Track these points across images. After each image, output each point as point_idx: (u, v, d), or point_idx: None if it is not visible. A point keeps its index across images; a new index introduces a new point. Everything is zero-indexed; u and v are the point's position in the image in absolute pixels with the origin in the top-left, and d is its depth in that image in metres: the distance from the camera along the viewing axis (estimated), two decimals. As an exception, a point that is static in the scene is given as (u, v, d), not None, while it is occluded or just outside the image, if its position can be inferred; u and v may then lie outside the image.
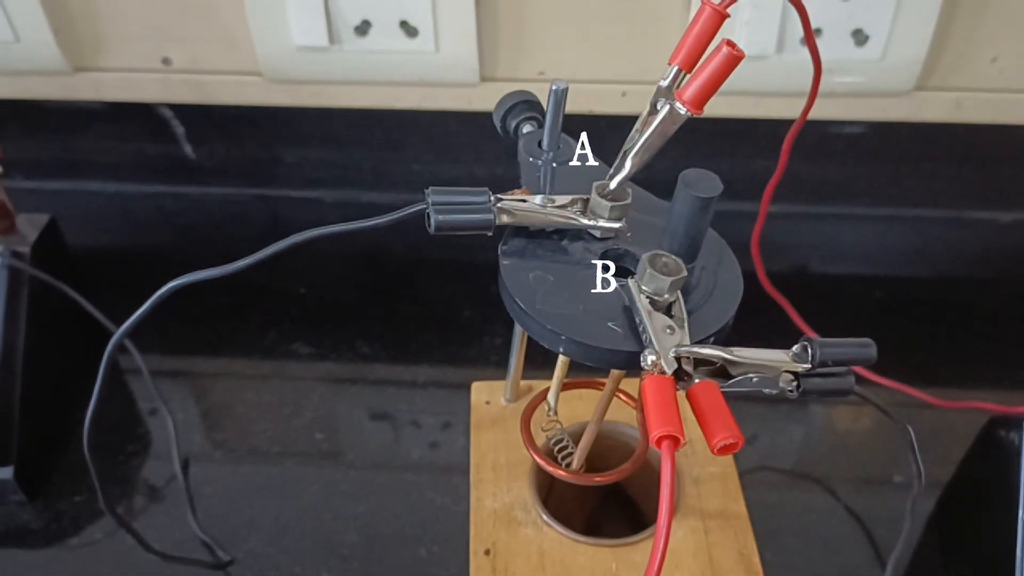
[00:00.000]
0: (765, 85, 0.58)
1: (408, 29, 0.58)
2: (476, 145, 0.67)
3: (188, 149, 0.75)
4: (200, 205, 0.76)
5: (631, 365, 0.27)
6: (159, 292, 0.30)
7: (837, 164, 0.67)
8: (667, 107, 0.28)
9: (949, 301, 0.64)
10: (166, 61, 0.63)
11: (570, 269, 0.30)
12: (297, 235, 0.29)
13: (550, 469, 0.37)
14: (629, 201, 0.30)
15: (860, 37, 0.56)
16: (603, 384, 0.37)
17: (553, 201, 0.31)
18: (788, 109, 0.61)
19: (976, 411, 0.49)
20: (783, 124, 0.45)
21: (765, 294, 0.58)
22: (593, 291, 0.29)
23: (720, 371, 0.27)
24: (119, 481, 0.54)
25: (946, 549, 0.48)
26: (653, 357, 0.26)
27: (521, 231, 0.31)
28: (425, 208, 0.29)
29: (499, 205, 0.29)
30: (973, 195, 0.69)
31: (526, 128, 0.35)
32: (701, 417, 0.25)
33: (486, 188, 0.30)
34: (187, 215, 0.76)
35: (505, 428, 0.42)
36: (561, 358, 0.36)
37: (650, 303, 0.28)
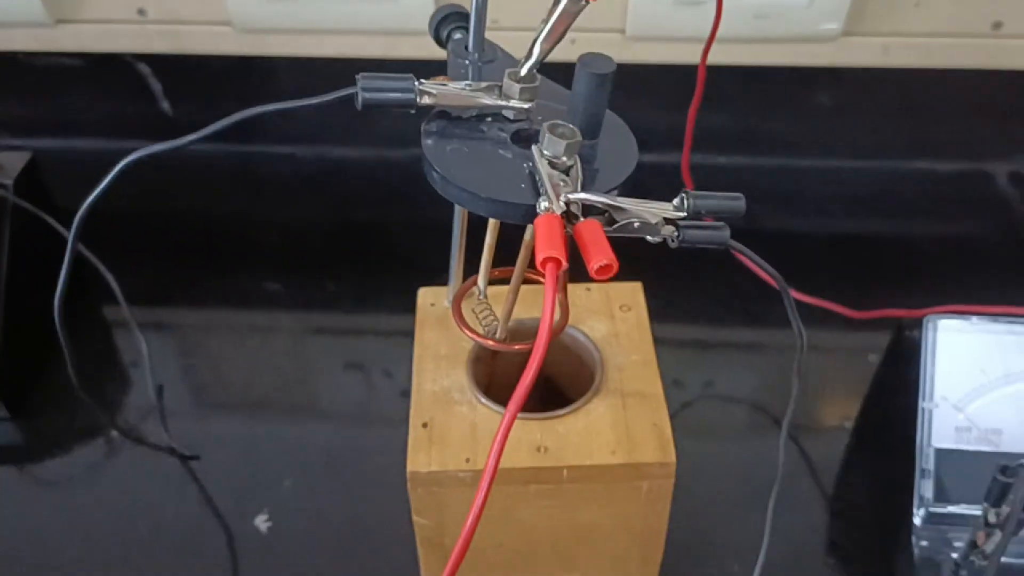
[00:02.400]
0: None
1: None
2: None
3: (165, 106, 0.79)
4: (178, 160, 0.80)
5: (533, 217, 0.31)
6: (120, 165, 0.34)
7: (770, 112, 0.71)
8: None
9: (878, 240, 0.68)
10: (142, 12, 0.67)
11: (484, 143, 0.34)
12: (239, 113, 0.33)
13: (473, 336, 0.40)
14: (537, 84, 0.34)
15: (788, -17, 0.60)
16: (528, 273, 0.41)
17: (471, 86, 0.35)
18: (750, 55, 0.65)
19: (892, 320, 0.53)
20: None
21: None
22: (503, 159, 0.33)
23: (608, 220, 0.31)
24: (96, 399, 0.58)
25: (863, 444, 0.53)
26: (547, 203, 0.30)
27: (444, 115, 0.35)
28: (355, 90, 0.33)
29: (421, 87, 0.33)
30: (906, 143, 0.73)
31: (456, 36, 0.39)
32: (583, 248, 0.29)
33: (411, 74, 0.34)
34: (165, 170, 0.79)
35: (447, 326, 0.46)
36: (487, 243, 0.40)
37: (550, 165, 0.31)
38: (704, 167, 0.71)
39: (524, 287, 0.42)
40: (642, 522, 0.44)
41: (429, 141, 0.34)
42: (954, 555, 0.45)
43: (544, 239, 0.28)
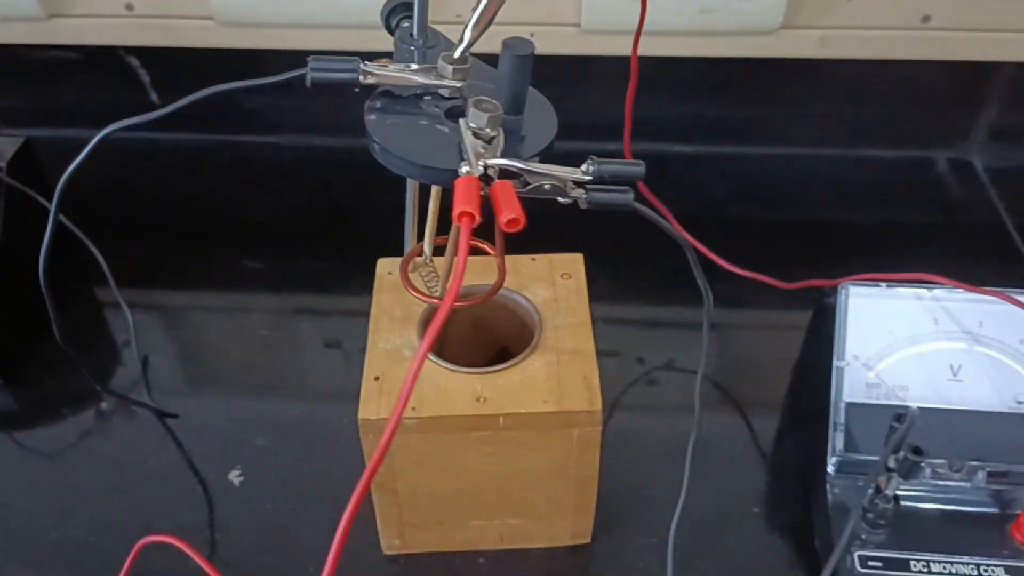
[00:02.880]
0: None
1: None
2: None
3: (154, 97, 0.83)
4: (167, 149, 0.84)
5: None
6: (101, 134, 0.38)
7: (710, 100, 0.76)
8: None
9: (822, 223, 0.73)
10: (129, 7, 0.71)
11: (421, 118, 0.39)
12: (202, 91, 0.38)
13: (416, 295, 0.45)
14: (469, 66, 0.39)
15: (729, -20, 0.65)
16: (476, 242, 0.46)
17: (409, 67, 0.39)
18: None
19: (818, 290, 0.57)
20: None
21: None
22: (437, 132, 0.38)
23: (523, 183, 0.35)
24: (85, 364, 0.62)
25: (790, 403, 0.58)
26: (467, 168, 0.34)
27: (388, 94, 0.40)
28: (305, 71, 0.37)
29: (364, 68, 0.38)
30: (845, 130, 0.78)
31: (404, 24, 0.44)
32: (496, 205, 0.33)
33: (358, 57, 0.38)
34: (155, 158, 0.84)
35: (403, 292, 0.51)
36: (431, 211, 0.44)
37: (474, 135, 0.36)
38: (655, 154, 0.76)
39: (475, 258, 0.46)
40: (575, 468, 0.48)
41: (372, 116, 0.39)
42: (863, 500, 0.49)
43: (461, 197, 0.33)
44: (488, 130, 0.36)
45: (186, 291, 0.70)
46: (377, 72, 0.38)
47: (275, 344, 0.65)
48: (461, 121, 0.37)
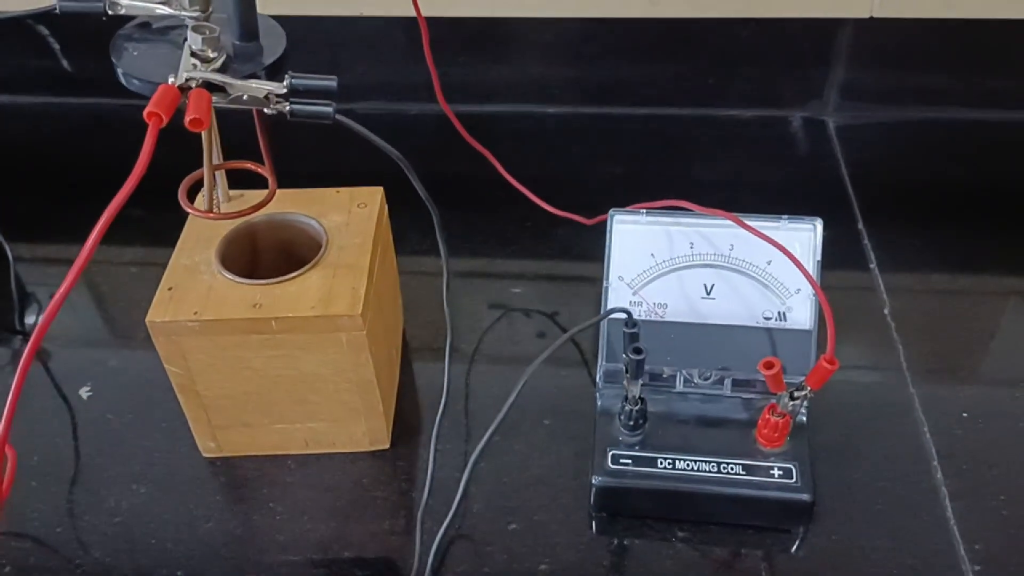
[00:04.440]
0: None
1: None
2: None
3: (65, 64, 0.90)
4: (79, 113, 0.91)
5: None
6: None
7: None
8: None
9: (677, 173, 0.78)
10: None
11: (162, 45, 0.44)
12: None
13: (191, 211, 0.51)
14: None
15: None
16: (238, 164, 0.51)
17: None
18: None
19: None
20: None
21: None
22: (168, 55, 0.43)
23: (225, 95, 0.41)
24: None
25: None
26: (173, 79, 0.40)
27: (142, 26, 0.45)
28: (55, 3, 0.43)
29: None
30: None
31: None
32: (188, 108, 0.39)
33: (102, -9, 0.44)
34: (67, 122, 0.90)
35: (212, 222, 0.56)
36: (204, 142, 0.50)
37: (192, 55, 0.42)
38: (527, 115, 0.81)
39: (283, 194, 0.53)
40: (353, 371, 0.54)
41: (121, 44, 0.44)
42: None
43: (153, 100, 0.38)
44: (208, 50, 0.42)
45: (67, 239, 0.76)
46: (124, 3, 0.44)
47: (141, 280, 0.71)
48: (186, 45, 0.42)
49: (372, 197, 0.59)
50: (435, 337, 0.65)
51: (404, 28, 0.80)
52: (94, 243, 0.36)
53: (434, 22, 0.61)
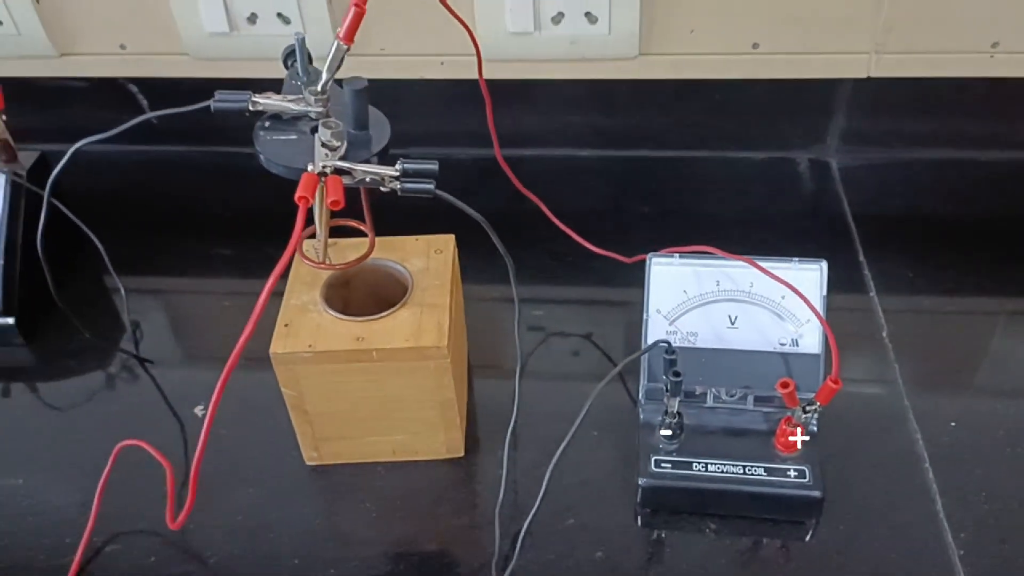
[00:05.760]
0: (531, 54, 0.83)
1: (283, 19, 0.83)
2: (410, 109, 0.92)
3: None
4: (163, 160, 1.02)
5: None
6: (76, 145, 0.55)
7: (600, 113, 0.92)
8: (335, 44, 0.53)
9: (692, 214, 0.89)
10: (122, 46, 0.89)
11: (293, 134, 0.55)
12: (138, 117, 0.54)
13: (305, 260, 0.61)
14: (327, 96, 0.55)
15: (591, 18, 0.81)
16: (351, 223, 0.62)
17: (287, 97, 0.56)
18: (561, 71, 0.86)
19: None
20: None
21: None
22: (302, 143, 0.54)
23: (352, 178, 0.52)
24: (88, 326, 0.80)
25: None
26: (311, 167, 0.51)
27: (275, 117, 0.56)
28: (211, 101, 0.54)
29: (253, 98, 0.55)
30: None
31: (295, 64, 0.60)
32: (327, 191, 0.49)
33: (250, 91, 0.55)
34: (153, 168, 1.01)
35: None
36: (316, 207, 0.61)
37: (323, 145, 0.52)
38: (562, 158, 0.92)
39: (381, 242, 0.65)
40: (435, 392, 0.64)
41: (259, 133, 0.55)
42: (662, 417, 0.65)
43: (301, 186, 0.49)
44: (334, 141, 0.52)
45: (168, 273, 0.88)
46: (262, 102, 0.55)
47: (238, 316, 0.82)
48: (316, 137, 0.53)
49: (446, 244, 0.69)
50: (493, 359, 0.75)
51: (447, 86, 0.91)
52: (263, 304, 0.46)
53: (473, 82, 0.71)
